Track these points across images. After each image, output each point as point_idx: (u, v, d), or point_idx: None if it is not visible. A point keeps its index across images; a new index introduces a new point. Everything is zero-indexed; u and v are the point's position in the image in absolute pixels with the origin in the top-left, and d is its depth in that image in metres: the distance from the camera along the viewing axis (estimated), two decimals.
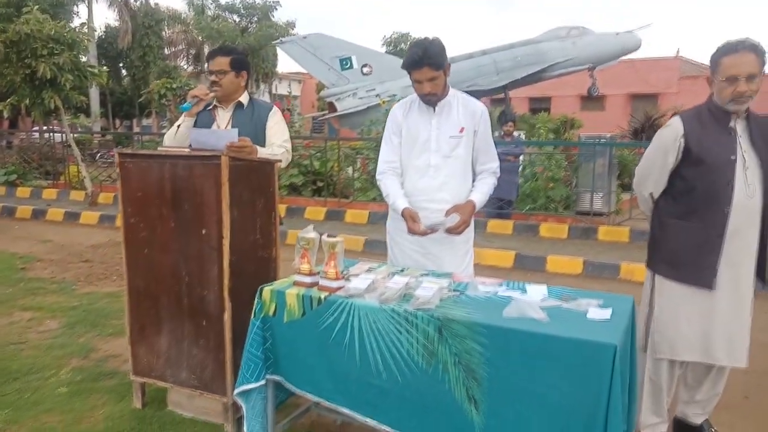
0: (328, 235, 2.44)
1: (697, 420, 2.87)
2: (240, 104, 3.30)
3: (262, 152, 3.10)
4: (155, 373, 3.03)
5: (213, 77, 3.22)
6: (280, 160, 3.20)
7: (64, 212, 9.47)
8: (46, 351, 3.94)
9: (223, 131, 3.01)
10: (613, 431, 1.83)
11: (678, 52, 30.47)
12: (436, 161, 2.90)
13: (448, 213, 2.83)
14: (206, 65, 3.35)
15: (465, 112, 2.92)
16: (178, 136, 3.22)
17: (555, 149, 10.05)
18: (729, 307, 2.59)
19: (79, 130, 18.05)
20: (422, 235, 2.80)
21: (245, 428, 2.56)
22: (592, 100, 26.22)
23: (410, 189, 2.96)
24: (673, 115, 2.80)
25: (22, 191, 11.54)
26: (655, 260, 2.75)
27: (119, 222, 8.82)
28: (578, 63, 19.85)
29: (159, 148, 3.05)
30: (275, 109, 3.40)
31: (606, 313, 2.12)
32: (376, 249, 7.17)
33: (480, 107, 2.96)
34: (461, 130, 2.90)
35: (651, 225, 2.81)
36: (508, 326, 2.01)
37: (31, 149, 13.45)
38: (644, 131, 17.24)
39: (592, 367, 1.86)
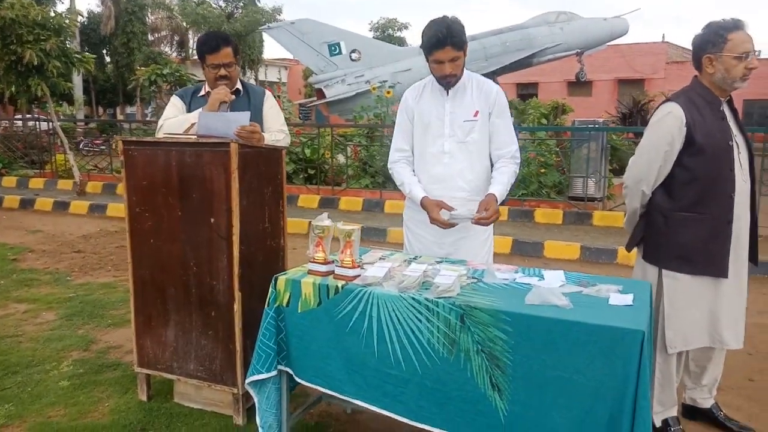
0: (344, 223, 2.40)
1: (707, 404, 2.89)
2: (237, 91, 3.14)
3: (267, 139, 3.03)
4: (161, 365, 2.98)
5: (222, 71, 3.00)
6: (285, 147, 3.13)
7: (53, 202, 9.33)
8: (44, 343, 3.87)
9: (233, 114, 2.86)
10: (642, 416, 1.81)
11: (664, 37, 30.67)
12: (450, 147, 2.79)
13: (479, 210, 2.66)
14: (206, 56, 3.01)
15: (479, 95, 2.80)
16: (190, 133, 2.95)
17: (546, 134, 10.05)
18: (732, 291, 2.62)
19: (62, 117, 17.74)
20: (445, 226, 2.68)
21: (258, 420, 2.52)
22: (579, 85, 26.32)
23: (425, 177, 2.85)
24: (666, 101, 2.65)
25: (8, 181, 11.35)
26: (661, 256, 2.65)
27: (111, 212, 8.77)
28: (567, 48, 19.87)
29: (162, 135, 2.96)
30: (268, 93, 3.27)
31: (628, 299, 2.11)
32: (372, 236, 7.15)
33: (494, 88, 2.83)
34: (476, 114, 2.78)
35: (648, 221, 2.70)
36: (532, 313, 1.98)
37: (15, 138, 13.21)
38: (632, 116, 17.33)
39: (620, 352, 1.85)
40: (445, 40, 2.61)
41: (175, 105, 3.14)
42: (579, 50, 20.12)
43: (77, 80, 24.90)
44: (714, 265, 2.56)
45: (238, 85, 3.15)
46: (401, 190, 2.92)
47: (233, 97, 3.03)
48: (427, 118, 2.83)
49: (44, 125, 12.77)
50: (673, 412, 2.78)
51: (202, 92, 3.13)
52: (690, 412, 2.92)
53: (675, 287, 2.61)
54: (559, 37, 19.41)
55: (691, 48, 2.65)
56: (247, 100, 3.15)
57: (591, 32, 19.85)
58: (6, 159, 12.11)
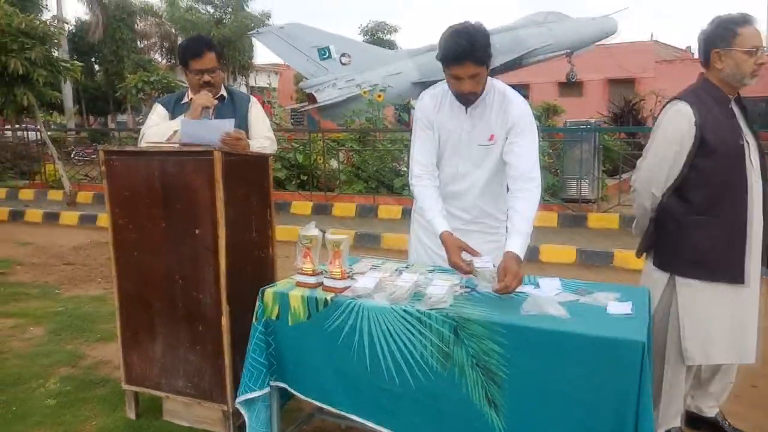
0: (332, 232, 2.32)
1: (711, 413, 2.79)
2: (221, 98, 3.06)
3: (253, 146, 2.96)
4: (149, 382, 2.90)
5: (206, 77, 2.92)
6: (272, 154, 3.06)
7: (42, 213, 9.20)
8: (31, 360, 3.78)
9: (217, 121, 2.79)
10: (644, 430, 1.75)
11: (652, 36, 30.75)
12: (465, 169, 2.57)
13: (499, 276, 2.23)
14: (189, 62, 2.94)
15: (498, 114, 2.49)
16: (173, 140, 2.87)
17: (538, 136, 9.99)
18: (751, 298, 2.51)
19: (53, 127, 17.62)
20: (463, 274, 2.31)
21: None
22: (570, 86, 26.29)
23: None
24: (674, 99, 2.55)
25: None
26: (674, 262, 2.53)
27: (101, 222, 8.66)
28: (556, 49, 19.83)
29: (144, 144, 2.88)
30: (253, 99, 3.20)
31: (627, 308, 2.04)
32: (367, 243, 7.07)
33: (517, 108, 2.49)
34: (491, 138, 2.50)
35: (659, 226, 2.58)
36: (528, 325, 1.91)
37: (4, 148, 13.07)
38: (623, 116, 17.32)
39: (620, 365, 1.78)
40: (465, 55, 2.27)
41: (157, 113, 3.06)
42: (568, 51, 20.11)
43: (67, 89, 24.75)
44: (731, 271, 2.45)
45: (223, 91, 3.08)
46: (421, 212, 2.64)
47: (216, 102, 2.95)
48: (445, 135, 2.56)
49: (33, 135, 12.63)
50: (677, 422, 2.68)
51: (186, 99, 3.05)
52: (693, 420, 2.82)
53: (690, 295, 2.49)
54: (548, 38, 19.37)
55: (697, 44, 2.58)
56: (232, 106, 3.08)
57: (580, 32, 19.83)
58: None
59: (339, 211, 8.82)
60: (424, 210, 2.54)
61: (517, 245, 2.28)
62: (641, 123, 15.48)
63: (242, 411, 2.43)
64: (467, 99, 2.45)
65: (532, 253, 6.44)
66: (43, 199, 10.64)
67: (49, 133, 12.16)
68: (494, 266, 2.25)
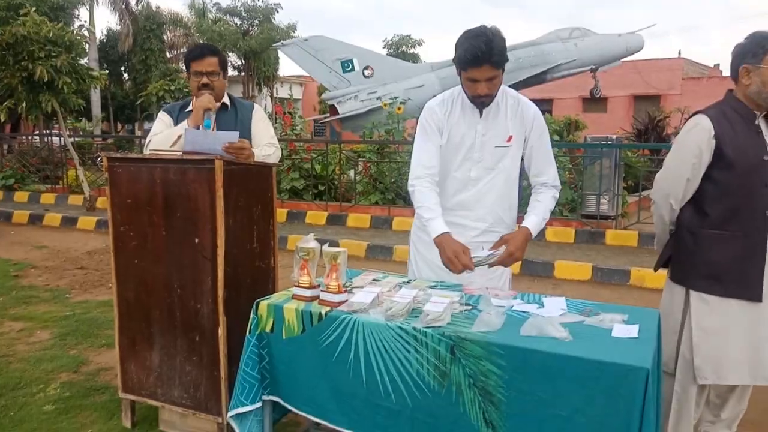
0: (330, 245, 2.26)
1: None
2: (224, 106, 3.04)
3: (257, 154, 2.91)
4: (146, 390, 2.86)
5: (204, 79, 2.91)
6: (276, 164, 3.02)
7: (61, 217, 9.30)
8: (34, 364, 3.77)
9: (222, 133, 2.76)
10: None
11: (680, 53, 30.34)
12: (477, 173, 2.53)
13: (496, 246, 2.43)
14: (190, 64, 2.95)
15: (514, 117, 2.51)
16: (177, 146, 2.85)
17: (558, 151, 9.86)
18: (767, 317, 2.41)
19: (81, 134, 17.90)
20: (459, 273, 2.35)
21: None
22: (594, 101, 26.06)
23: (445, 203, 2.54)
24: (696, 113, 2.51)
25: (20, 196, 11.37)
26: (689, 276, 2.48)
27: None
28: (581, 64, 19.69)
29: (147, 151, 2.86)
30: (257, 106, 3.19)
31: (633, 330, 1.95)
32: (379, 255, 7.00)
33: (532, 110, 2.55)
34: (509, 139, 2.51)
35: (676, 238, 2.55)
36: (527, 346, 1.83)
37: (30, 153, 13.30)
38: (647, 133, 17.03)
39: (622, 391, 1.69)
40: (483, 57, 2.28)
41: (162, 120, 3.04)
42: (593, 66, 19.95)
43: (95, 97, 25.23)
44: (747, 288, 2.38)
45: (225, 99, 3.05)
46: (418, 212, 2.58)
47: (218, 105, 2.93)
48: (457, 139, 2.53)
49: (59, 141, 12.82)
50: None
51: (190, 107, 3.02)
52: None
53: (703, 310, 2.42)
54: (573, 53, 19.24)
55: (730, 58, 2.50)
56: (234, 114, 3.06)
57: (605, 48, 19.68)
58: (19, 174, 12.16)
59: (353, 222, 8.77)
60: (423, 209, 2.48)
61: (532, 223, 2.50)
62: (665, 140, 15.19)
63: (234, 425, 2.37)
64: (482, 102, 2.45)
65: (546, 268, 6.31)
66: (64, 204, 10.76)
67: (77, 139, 12.33)
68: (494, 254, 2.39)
